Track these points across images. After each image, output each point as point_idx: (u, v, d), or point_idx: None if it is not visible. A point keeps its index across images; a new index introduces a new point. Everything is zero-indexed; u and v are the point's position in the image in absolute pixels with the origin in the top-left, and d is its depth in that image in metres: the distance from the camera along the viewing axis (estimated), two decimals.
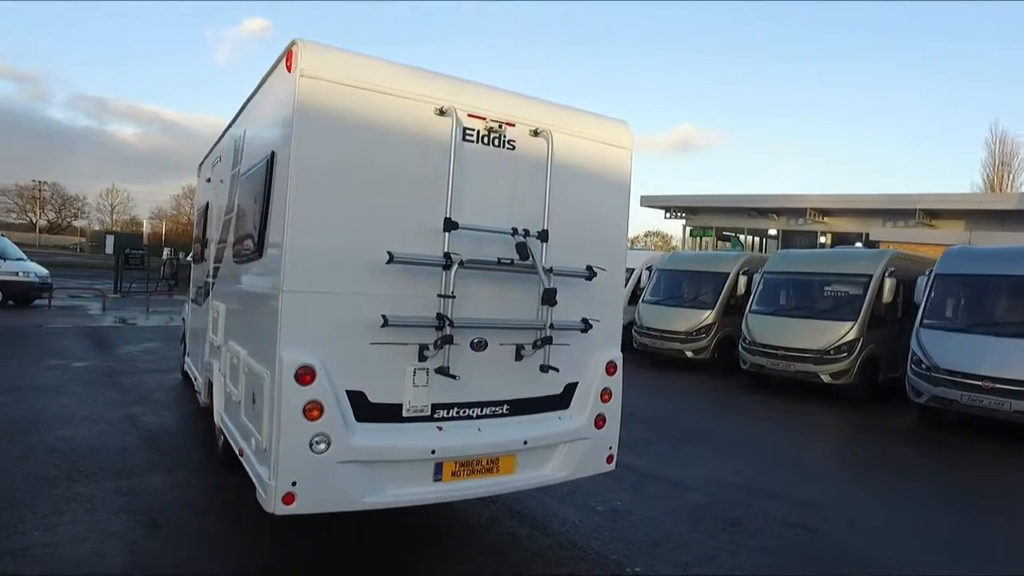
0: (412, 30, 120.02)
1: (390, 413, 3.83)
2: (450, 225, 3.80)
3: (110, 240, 30.62)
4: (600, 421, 4.62)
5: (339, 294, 3.63)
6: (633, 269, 17.65)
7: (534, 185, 4.23)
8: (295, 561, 4.07)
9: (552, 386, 4.46)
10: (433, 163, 3.83)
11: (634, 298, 16.37)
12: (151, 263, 25.58)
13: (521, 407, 4.32)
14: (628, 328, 16.19)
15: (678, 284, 15.52)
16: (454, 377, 3.84)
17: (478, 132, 4.05)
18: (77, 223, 72.83)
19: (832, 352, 11.28)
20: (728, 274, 14.43)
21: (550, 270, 4.09)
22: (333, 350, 3.64)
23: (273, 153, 3.90)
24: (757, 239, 26.65)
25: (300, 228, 3.56)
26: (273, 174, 3.88)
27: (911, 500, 6.36)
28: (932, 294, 10.30)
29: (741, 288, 14.03)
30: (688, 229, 26.94)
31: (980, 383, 8.90)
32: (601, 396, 4.63)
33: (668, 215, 26.01)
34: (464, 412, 4.09)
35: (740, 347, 12.63)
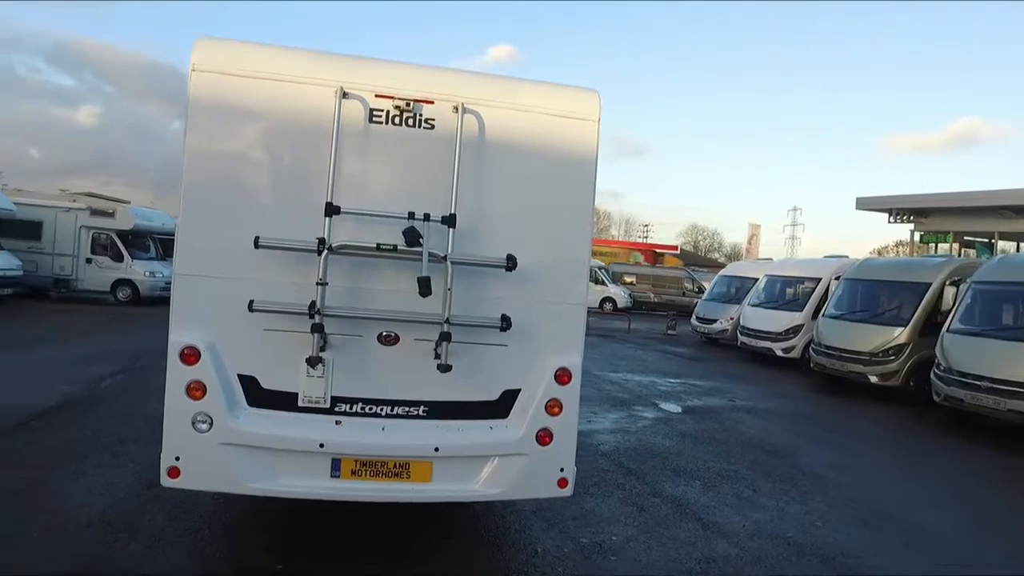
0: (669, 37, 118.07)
1: (284, 401, 3.78)
2: (331, 210, 3.62)
3: None
4: (545, 437, 4.00)
5: (229, 279, 3.68)
6: (819, 279, 15.32)
7: (462, 166, 3.85)
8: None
9: (485, 391, 4.01)
10: (329, 147, 3.70)
11: (819, 312, 14.16)
12: None
13: (442, 411, 3.95)
14: (807, 346, 14.08)
15: (866, 296, 12.99)
16: (312, 366, 3.65)
17: (387, 112, 3.82)
18: None
19: None
20: (930, 284, 11.67)
21: (444, 258, 3.68)
22: (225, 334, 3.70)
23: None
24: (1021, 246, 20.97)
25: (191, 216, 3.70)
26: None
27: None
28: None
29: (948, 301, 11.21)
30: (918, 235, 22.32)
31: None
32: (547, 408, 4.01)
33: (892, 219, 21.85)
34: (369, 409, 3.86)
35: (933, 375, 10.09)
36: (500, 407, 4.03)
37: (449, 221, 3.74)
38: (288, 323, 3.69)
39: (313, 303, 3.60)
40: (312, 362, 3.64)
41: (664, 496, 5.72)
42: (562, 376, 4.04)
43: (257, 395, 3.75)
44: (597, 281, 30.57)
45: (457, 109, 3.82)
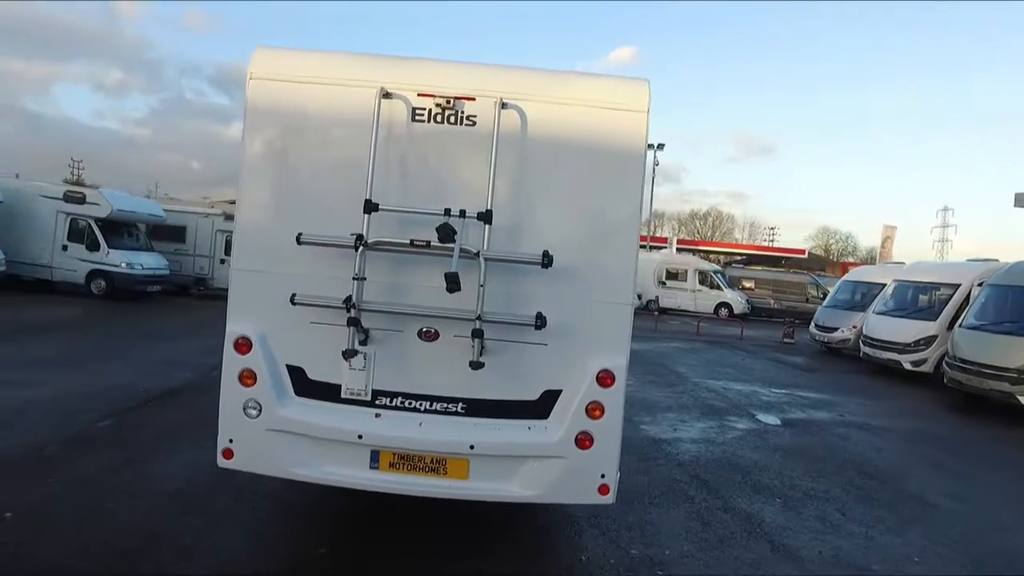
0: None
1: (329, 392, 3.92)
2: (370, 207, 3.71)
3: None
4: (584, 440, 3.85)
5: (278, 274, 3.87)
6: (958, 285, 13.67)
7: (502, 162, 3.81)
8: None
9: (525, 390, 3.93)
10: (372, 145, 3.79)
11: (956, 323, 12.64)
12: None
13: (480, 408, 3.92)
14: (941, 360, 12.61)
15: (1017, 305, 11.38)
16: (345, 358, 3.73)
17: (429, 111, 3.86)
18: None
19: None
20: None
21: (476, 254, 3.64)
22: (275, 325, 3.90)
23: None
24: None
25: (245, 215, 3.96)
26: None
27: None
28: None
29: None
30: None
31: None
32: (588, 411, 3.86)
33: None
34: (408, 403, 3.92)
35: None
36: (540, 407, 3.93)
37: (485, 217, 3.70)
38: (332, 317, 3.81)
39: (349, 297, 3.70)
40: (347, 355, 3.74)
41: (736, 512, 5.33)
42: (605, 378, 3.88)
43: (304, 385, 3.92)
44: (712, 285, 29.38)
45: (503, 105, 3.78)
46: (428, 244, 3.65)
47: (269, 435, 3.86)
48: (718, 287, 29.39)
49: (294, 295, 3.74)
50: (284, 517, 4.54)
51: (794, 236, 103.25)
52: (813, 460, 7.11)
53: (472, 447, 3.83)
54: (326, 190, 3.91)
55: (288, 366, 3.92)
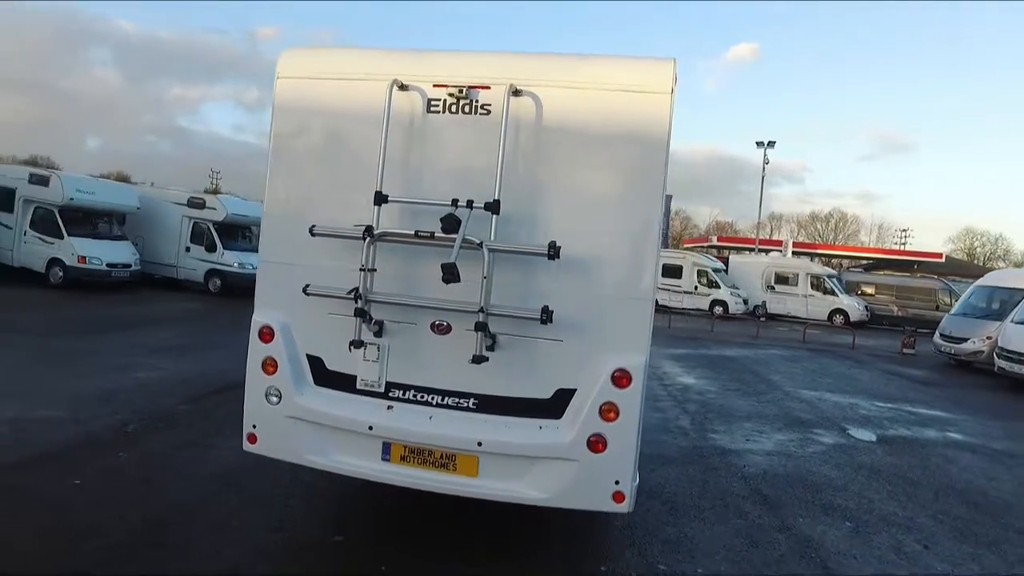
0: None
1: (345, 383, 3.97)
2: (380, 199, 3.71)
3: None
4: (597, 443, 3.64)
5: (298, 265, 3.98)
6: None
7: (514, 151, 3.71)
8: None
9: (537, 388, 3.78)
10: (388, 138, 3.80)
11: None
12: None
13: (491, 405, 3.82)
14: None
15: None
16: (350, 348, 3.73)
17: (444, 101, 3.82)
18: None
19: None
20: None
21: (479, 244, 3.52)
22: (297, 316, 4.01)
23: None
24: None
25: (271, 208, 4.11)
26: None
27: None
28: None
29: None
30: None
31: None
32: (602, 412, 3.64)
33: None
34: (420, 397, 3.89)
35: None
36: (554, 407, 3.77)
37: (492, 208, 3.60)
38: (347, 308, 3.84)
39: (356, 288, 3.72)
40: (354, 345, 3.76)
41: (792, 533, 4.84)
42: (620, 378, 3.64)
43: (322, 375, 3.99)
44: (826, 291, 27.43)
45: (517, 93, 3.67)
46: (432, 235, 3.59)
47: (287, 422, 3.96)
48: (832, 292, 27.36)
49: (307, 286, 3.82)
50: (312, 504, 4.66)
51: (931, 239, 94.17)
52: (904, 483, 6.34)
53: (480, 444, 3.73)
54: (344, 183, 3.96)
55: (308, 355, 4.01)
